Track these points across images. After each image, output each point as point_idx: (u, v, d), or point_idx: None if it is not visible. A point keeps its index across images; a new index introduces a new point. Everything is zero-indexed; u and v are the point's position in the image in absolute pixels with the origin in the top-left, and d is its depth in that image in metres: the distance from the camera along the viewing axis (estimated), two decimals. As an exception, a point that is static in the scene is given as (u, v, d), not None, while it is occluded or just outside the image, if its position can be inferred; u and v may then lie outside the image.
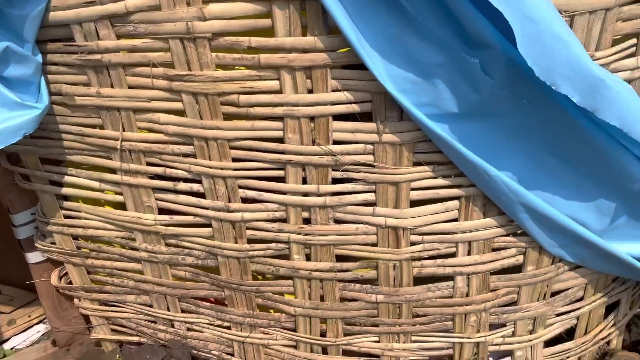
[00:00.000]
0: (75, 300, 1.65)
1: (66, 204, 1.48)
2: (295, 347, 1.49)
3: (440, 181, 1.19)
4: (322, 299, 1.39)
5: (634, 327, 1.65)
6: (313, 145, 1.17)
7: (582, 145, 1.11)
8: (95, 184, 1.39)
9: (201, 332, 1.56)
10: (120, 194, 1.39)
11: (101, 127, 1.29)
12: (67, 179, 1.42)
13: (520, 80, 1.00)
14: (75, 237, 1.53)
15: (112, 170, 1.36)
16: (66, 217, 1.50)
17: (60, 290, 1.63)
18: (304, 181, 1.22)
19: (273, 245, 1.33)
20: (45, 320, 1.89)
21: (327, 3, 0.97)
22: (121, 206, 1.43)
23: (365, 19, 1.01)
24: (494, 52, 0.98)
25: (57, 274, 1.60)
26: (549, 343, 1.49)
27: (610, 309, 1.56)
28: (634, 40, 1.11)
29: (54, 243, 1.55)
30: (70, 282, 1.62)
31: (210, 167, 1.24)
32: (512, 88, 1.02)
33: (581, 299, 1.44)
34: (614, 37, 1.08)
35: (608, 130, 1.06)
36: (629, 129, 0.99)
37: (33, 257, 1.58)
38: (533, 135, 1.11)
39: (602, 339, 1.56)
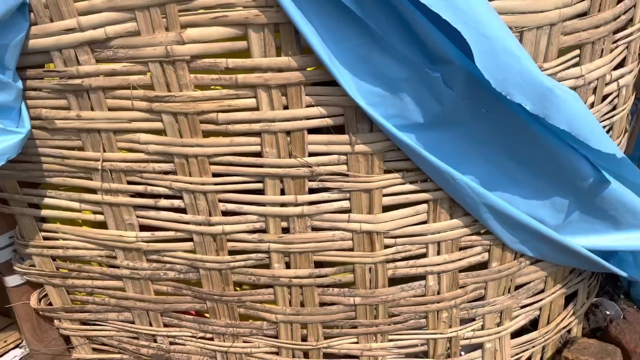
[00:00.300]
0: (55, 321, 1.66)
1: (45, 225, 1.50)
2: (277, 353, 1.54)
3: (409, 187, 1.28)
4: (302, 304, 1.44)
5: (592, 315, 1.77)
6: (290, 158, 1.23)
7: (536, 148, 1.21)
8: (75, 205, 1.42)
9: (184, 345, 1.59)
10: (100, 213, 1.42)
11: (81, 149, 1.32)
12: (46, 200, 1.44)
13: (479, 92, 1.10)
14: (54, 259, 1.55)
15: (92, 191, 1.39)
16: (45, 238, 1.51)
17: (40, 312, 1.63)
18: (282, 192, 1.28)
19: (254, 255, 1.38)
20: (21, 345, 1.88)
21: (299, 25, 1.05)
22: (100, 225, 1.46)
23: (335, 39, 1.09)
24: (454, 67, 1.07)
25: (37, 296, 1.61)
26: (515, 334, 1.59)
27: (569, 299, 1.68)
28: (577, 52, 1.23)
29: (33, 265, 1.55)
30: (50, 304, 1.62)
31: (191, 183, 1.29)
32: (471, 99, 1.12)
33: (542, 291, 1.55)
34: (560, 48, 1.19)
35: (558, 134, 1.17)
36: (577, 132, 1.10)
37: (11, 281, 1.58)
38: (492, 141, 1.20)
39: (564, 327, 1.68)
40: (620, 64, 1.38)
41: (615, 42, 1.29)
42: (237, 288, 1.55)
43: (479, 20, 0.98)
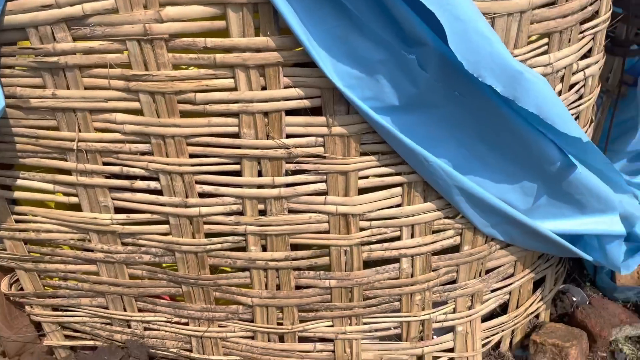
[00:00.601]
0: (26, 307, 1.63)
1: (17, 208, 1.48)
2: (253, 337, 1.55)
3: (385, 169, 1.31)
4: (278, 288, 1.46)
5: (559, 301, 1.83)
6: (267, 139, 1.25)
7: (507, 132, 1.25)
8: (49, 187, 1.40)
9: (158, 330, 1.59)
10: (74, 195, 1.40)
11: (56, 129, 1.31)
12: (19, 182, 1.42)
13: (452, 74, 1.13)
14: (26, 242, 1.52)
15: (66, 172, 1.38)
16: (17, 221, 1.49)
17: (11, 298, 1.60)
18: (259, 174, 1.30)
19: (230, 238, 1.39)
20: (-10, 333, 1.84)
21: (278, 5, 1.06)
22: (74, 208, 1.44)
23: (313, 20, 1.11)
24: (429, 49, 1.10)
25: (8, 281, 1.58)
26: (485, 319, 1.63)
27: (537, 285, 1.73)
28: (546, 40, 1.27)
29: (4, 249, 1.53)
30: (22, 289, 1.60)
31: (168, 164, 1.29)
32: (445, 81, 1.15)
33: (512, 275, 1.60)
34: (530, 37, 1.24)
35: (528, 118, 1.21)
36: (545, 115, 1.15)
37: (-19, 266, 1.56)
38: (465, 124, 1.24)
39: (532, 312, 1.73)
40: (587, 55, 1.44)
41: (582, 32, 1.35)
42: (214, 272, 1.55)
43: (452, 3, 1.01)
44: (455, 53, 1.04)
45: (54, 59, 1.20)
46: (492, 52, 1.05)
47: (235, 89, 1.19)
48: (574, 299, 1.83)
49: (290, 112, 1.23)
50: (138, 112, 1.25)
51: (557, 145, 1.28)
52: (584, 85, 1.45)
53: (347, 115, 1.23)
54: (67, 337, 1.68)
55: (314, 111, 1.23)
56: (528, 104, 1.12)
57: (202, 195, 1.34)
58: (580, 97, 1.46)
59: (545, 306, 1.77)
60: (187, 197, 1.33)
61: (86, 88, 1.24)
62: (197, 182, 1.32)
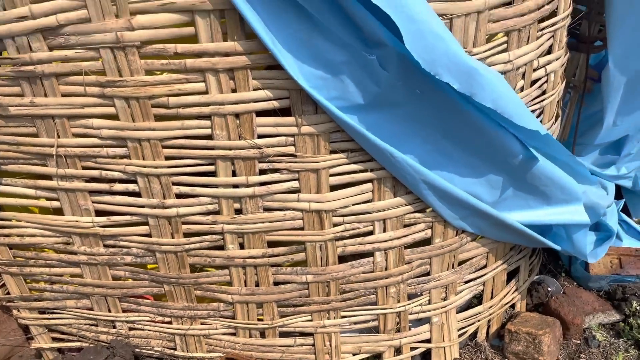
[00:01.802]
0: (13, 311, 1.67)
1: (1, 214, 1.52)
2: (234, 334, 1.60)
3: (354, 166, 1.35)
4: (257, 284, 1.50)
5: (535, 292, 1.88)
6: (240, 140, 1.29)
7: (469, 128, 1.30)
8: (31, 192, 1.45)
9: (143, 329, 1.63)
10: (56, 199, 1.45)
11: (35, 135, 1.36)
12: (2, 188, 1.47)
13: (412, 73, 1.19)
14: (11, 247, 1.56)
15: (47, 177, 1.42)
16: (1, 227, 1.53)
17: (-2, 302, 1.65)
18: (234, 174, 1.34)
19: (208, 237, 1.44)
20: (-21, 339, 1.88)
21: (243, 12, 1.11)
22: (56, 212, 1.48)
23: (278, 24, 1.16)
24: (388, 50, 1.15)
25: (-6, 285, 1.62)
26: (462, 310, 1.68)
27: (512, 276, 1.78)
28: (505, 38, 1.33)
29: (-11, 255, 1.57)
30: (8, 293, 1.64)
31: (145, 167, 1.34)
32: (406, 80, 1.21)
33: (484, 266, 1.65)
34: (489, 35, 1.29)
35: (489, 113, 1.27)
36: (502, 110, 1.20)
37: (-33, 271, 1.59)
38: (428, 121, 1.29)
39: (507, 303, 1.78)
40: (548, 52, 1.49)
41: (541, 30, 1.40)
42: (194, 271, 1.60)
43: (407, 5, 1.06)
44: (412, 53, 1.09)
45: (31, 68, 1.25)
46: (447, 50, 1.11)
47: (206, 92, 1.24)
48: (549, 289, 1.89)
49: (261, 113, 1.28)
50: (114, 117, 1.30)
51: (518, 139, 1.34)
52: (546, 81, 1.51)
53: (315, 115, 1.28)
54: (54, 339, 1.71)
55: (284, 112, 1.28)
56: (484, 99, 1.17)
57: (179, 195, 1.39)
58: (544, 93, 1.51)
59: (520, 296, 1.82)
60: (164, 198, 1.38)
61: (63, 95, 1.29)
62: (174, 184, 1.37)
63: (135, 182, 1.38)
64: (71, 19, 1.18)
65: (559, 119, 1.71)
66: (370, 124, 1.28)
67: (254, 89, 1.24)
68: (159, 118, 1.29)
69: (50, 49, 1.23)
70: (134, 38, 1.18)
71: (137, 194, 1.40)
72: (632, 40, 1.53)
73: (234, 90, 1.24)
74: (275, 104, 1.26)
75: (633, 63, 1.58)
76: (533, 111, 1.50)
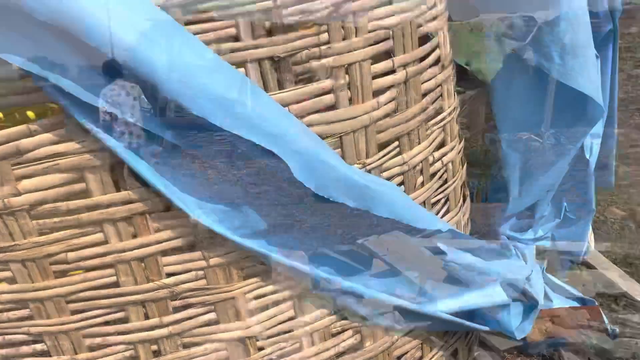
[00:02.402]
0: None
1: None
2: None
3: (271, 287, 1.34)
4: None
5: (478, 368, 1.89)
6: (148, 283, 1.26)
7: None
8: None
9: None
10: (-40, 371, 1.34)
11: None
12: None
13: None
14: None
15: (-53, 350, 1.32)
16: None
17: None
18: (146, 317, 1.30)
19: (129, 385, 1.36)
20: None
21: (130, 163, 1.11)
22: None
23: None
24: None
25: None
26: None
27: (454, 357, 1.78)
28: (397, 143, 1.39)
29: None
30: None
31: (50, 325, 1.27)
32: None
33: (421, 358, 1.64)
34: (381, 143, 1.35)
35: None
36: (400, 217, 1.24)
37: None
38: (324, 238, 1.32)
39: (452, 387, 1.77)
40: (442, 144, 1.57)
41: (430, 128, 1.48)
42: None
43: (290, 140, 1.10)
44: (303, 181, 1.12)
45: None
46: (337, 176, 1.14)
47: (106, 242, 1.21)
48: (491, 364, 1.90)
49: (167, 251, 1.26)
50: (12, 279, 1.24)
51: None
52: (445, 171, 1.58)
53: (222, 247, 1.27)
54: None
55: (190, 247, 1.27)
56: (381, 211, 1.21)
57: (92, 347, 1.32)
58: (445, 182, 1.58)
59: (464, 377, 1.82)
60: (76, 353, 1.31)
61: (-47, 266, 1.23)
62: (85, 336, 1.30)
63: (42, 342, 1.30)
64: (-48, 191, 1.14)
65: (467, 199, 1.78)
66: (278, 245, 1.29)
67: (156, 232, 1.23)
68: (60, 274, 1.24)
69: None
70: (22, 202, 1.14)
71: (46, 353, 1.32)
72: (514, 124, 1.64)
73: (134, 236, 1.22)
74: (179, 242, 1.25)
75: (518, 145, 1.69)
76: (438, 201, 1.56)
